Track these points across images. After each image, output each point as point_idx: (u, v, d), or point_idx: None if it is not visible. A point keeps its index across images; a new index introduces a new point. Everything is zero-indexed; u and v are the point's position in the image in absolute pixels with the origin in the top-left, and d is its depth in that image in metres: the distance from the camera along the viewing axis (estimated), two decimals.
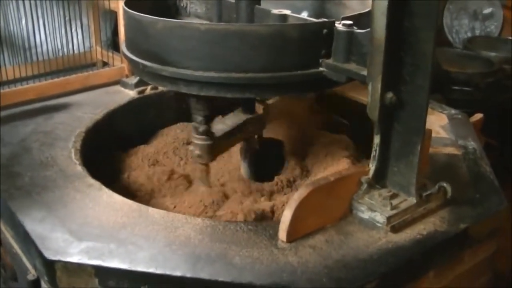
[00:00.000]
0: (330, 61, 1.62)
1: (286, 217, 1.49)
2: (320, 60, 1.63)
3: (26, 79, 2.52)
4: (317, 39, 1.61)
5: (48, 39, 2.79)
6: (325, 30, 1.60)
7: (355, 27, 1.59)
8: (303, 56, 1.62)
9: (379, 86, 1.49)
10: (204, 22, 1.66)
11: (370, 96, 1.52)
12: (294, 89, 1.66)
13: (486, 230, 1.71)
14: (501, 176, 1.95)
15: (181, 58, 1.63)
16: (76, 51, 2.81)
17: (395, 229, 1.56)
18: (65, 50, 2.80)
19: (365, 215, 1.60)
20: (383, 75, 1.48)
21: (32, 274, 1.63)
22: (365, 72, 1.52)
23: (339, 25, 1.60)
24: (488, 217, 1.70)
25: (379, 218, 1.57)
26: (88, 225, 1.58)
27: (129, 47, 1.82)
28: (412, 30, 1.46)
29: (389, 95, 1.50)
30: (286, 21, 1.78)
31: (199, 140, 1.82)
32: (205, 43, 1.59)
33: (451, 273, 1.68)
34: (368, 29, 1.50)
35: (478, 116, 2.44)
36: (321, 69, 1.63)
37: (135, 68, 1.84)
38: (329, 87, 1.77)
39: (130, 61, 1.80)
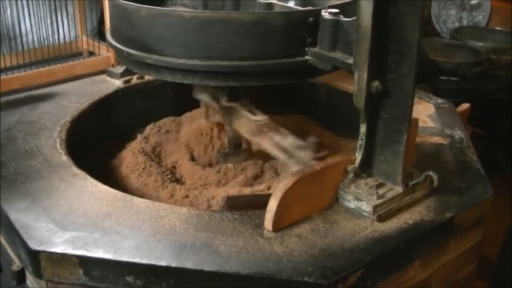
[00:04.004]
0: (316, 49, 1.62)
1: (271, 206, 1.48)
2: (306, 49, 1.63)
3: (11, 68, 2.48)
4: (302, 27, 1.60)
5: (34, 29, 2.75)
6: (311, 19, 1.60)
7: (341, 16, 1.58)
8: (288, 44, 1.62)
9: (365, 74, 1.48)
10: (189, 10, 1.64)
11: (356, 84, 1.51)
12: (279, 77, 1.66)
13: (472, 218, 1.71)
14: (487, 165, 1.95)
15: (165, 46, 1.62)
16: (62, 41, 2.77)
17: (381, 218, 1.56)
18: (50, 39, 2.77)
19: (351, 204, 1.60)
20: (369, 64, 1.47)
21: (17, 265, 1.61)
22: (351, 61, 1.52)
23: (325, 14, 1.60)
24: (474, 206, 1.70)
25: (365, 207, 1.57)
26: (72, 214, 1.57)
27: (114, 35, 1.81)
28: (398, 17, 1.46)
29: (375, 83, 1.50)
30: (272, 10, 1.77)
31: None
32: (189, 30, 1.58)
33: (437, 261, 1.69)
34: (354, 18, 1.49)
35: (465, 105, 2.44)
36: (306, 57, 1.63)
37: (119, 56, 1.83)
38: (314, 76, 1.77)
39: (115, 49, 1.80)
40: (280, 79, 1.67)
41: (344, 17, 1.57)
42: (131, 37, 1.69)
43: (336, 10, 1.59)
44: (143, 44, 1.66)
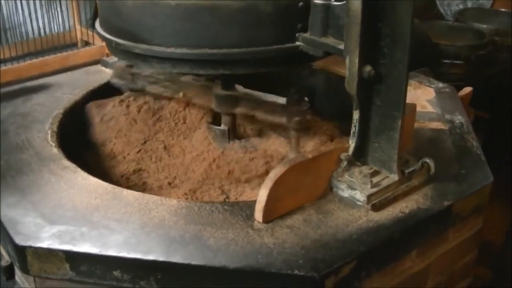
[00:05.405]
0: (307, 35, 1.58)
1: (262, 196, 1.44)
2: (297, 34, 1.59)
3: (5, 61, 2.46)
4: (292, 12, 1.56)
5: (28, 20, 2.73)
6: (300, 3, 1.56)
7: (332, 0, 1.54)
8: (278, 30, 1.57)
9: (356, 59, 1.44)
10: None
11: (347, 70, 1.47)
12: (270, 64, 1.62)
13: (471, 206, 1.67)
14: (492, 149, 1.91)
15: (153, 35, 1.59)
16: (57, 31, 2.75)
17: (376, 208, 1.52)
18: (46, 30, 2.75)
19: (345, 193, 1.56)
20: (361, 48, 1.43)
21: (5, 260, 1.59)
22: (342, 46, 1.47)
23: None
24: (473, 193, 1.65)
25: (359, 196, 1.53)
26: (61, 208, 1.54)
27: (103, 24, 1.78)
28: (389, 2, 1.41)
29: (367, 68, 1.45)
30: None
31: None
32: (176, 19, 1.54)
33: (435, 251, 1.65)
34: (345, 1, 1.44)
35: (467, 89, 2.38)
36: (297, 43, 1.59)
37: (108, 46, 1.80)
38: (306, 62, 1.73)
39: (103, 39, 1.76)
40: (271, 66, 1.63)
41: (335, 1, 1.53)
42: (118, 26, 1.66)
43: None
44: (131, 34, 1.62)
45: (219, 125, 1.99)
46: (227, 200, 1.81)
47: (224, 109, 1.96)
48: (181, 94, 2.03)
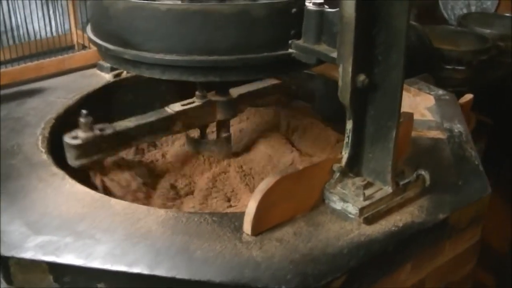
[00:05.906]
0: (299, 42, 1.54)
1: (250, 208, 1.40)
2: (290, 41, 1.55)
3: (1, 63, 2.44)
4: (285, 18, 1.53)
5: (25, 23, 2.70)
6: (294, 9, 1.52)
7: (326, 6, 1.50)
8: (270, 37, 1.54)
9: (350, 68, 1.40)
10: (167, 2, 1.57)
11: (340, 79, 1.43)
12: (261, 71, 1.59)
13: (468, 218, 1.62)
14: (495, 154, 1.86)
15: (142, 41, 1.56)
16: (54, 34, 2.72)
17: (369, 221, 1.48)
18: (43, 33, 2.72)
19: (337, 205, 1.51)
20: (354, 56, 1.38)
21: None
22: (335, 54, 1.43)
23: (309, 4, 1.52)
24: (470, 205, 1.61)
25: (351, 209, 1.48)
26: (47, 216, 1.50)
27: (93, 29, 1.74)
28: (384, 5, 1.37)
29: (361, 77, 1.41)
30: (254, 0, 1.69)
31: None
32: (166, 24, 1.51)
33: (431, 264, 1.60)
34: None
35: (468, 97, 2.34)
36: (290, 50, 1.55)
37: (99, 51, 1.76)
38: (298, 70, 1.69)
39: (94, 44, 1.73)
40: (262, 73, 1.61)
41: (330, 8, 1.49)
42: (108, 31, 1.63)
43: (321, 0, 1.50)
44: (120, 39, 1.59)
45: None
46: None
47: (230, 114, 1.97)
48: (176, 128, 1.96)
